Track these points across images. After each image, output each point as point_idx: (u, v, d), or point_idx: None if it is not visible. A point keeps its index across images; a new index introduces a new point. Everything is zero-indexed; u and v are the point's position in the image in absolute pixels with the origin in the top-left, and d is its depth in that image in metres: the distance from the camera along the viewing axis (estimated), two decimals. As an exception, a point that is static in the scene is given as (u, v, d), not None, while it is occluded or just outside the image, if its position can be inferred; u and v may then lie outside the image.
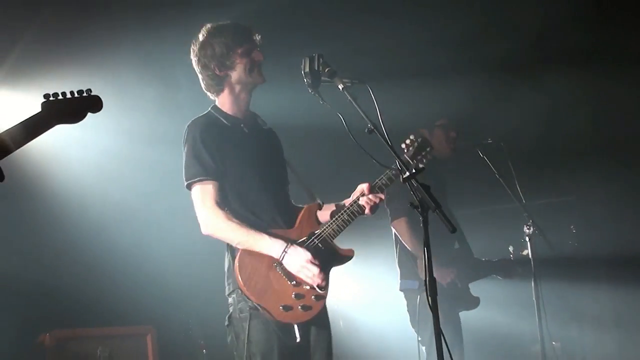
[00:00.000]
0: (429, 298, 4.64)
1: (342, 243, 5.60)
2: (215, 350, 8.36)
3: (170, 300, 8.80)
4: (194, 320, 8.65)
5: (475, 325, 8.03)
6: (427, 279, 4.65)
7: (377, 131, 4.96)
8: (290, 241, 5.35)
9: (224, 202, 5.47)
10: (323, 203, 5.73)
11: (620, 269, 8.71)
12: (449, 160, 7.71)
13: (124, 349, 8.26)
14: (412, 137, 5.74)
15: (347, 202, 5.55)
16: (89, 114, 4.29)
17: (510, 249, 8.03)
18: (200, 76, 5.75)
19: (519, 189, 7.35)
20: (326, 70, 5.27)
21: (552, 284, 7.87)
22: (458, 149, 7.50)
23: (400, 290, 7.85)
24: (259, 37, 5.69)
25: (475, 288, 7.95)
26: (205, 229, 5.42)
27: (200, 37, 5.72)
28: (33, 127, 3.82)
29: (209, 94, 5.79)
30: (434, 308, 4.61)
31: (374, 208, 5.49)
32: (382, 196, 5.53)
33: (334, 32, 8.05)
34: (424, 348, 7.61)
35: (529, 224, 7.67)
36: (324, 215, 5.72)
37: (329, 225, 5.49)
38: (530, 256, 7.75)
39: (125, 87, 8.69)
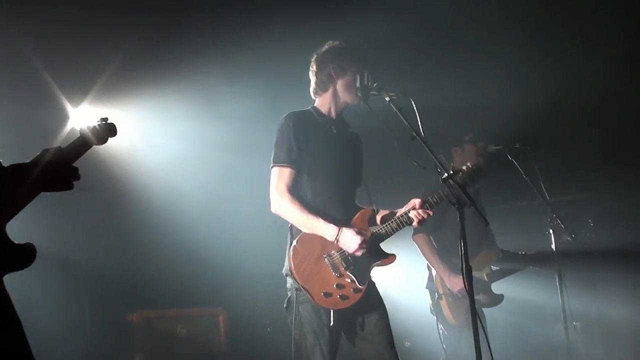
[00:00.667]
0: (466, 284, 4.86)
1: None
2: (278, 328, 8.24)
3: (239, 286, 8.92)
4: (259, 303, 8.64)
5: (505, 307, 7.86)
6: (464, 267, 4.86)
7: (419, 138, 5.06)
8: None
9: (298, 188, 5.59)
10: (378, 209, 5.74)
11: (633, 256, 8.43)
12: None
13: (200, 327, 8.40)
14: (469, 164, 5.70)
15: (399, 211, 5.56)
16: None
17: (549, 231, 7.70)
18: (313, 77, 5.88)
19: (543, 187, 7.10)
20: (374, 85, 5.43)
21: (574, 271, 7.61)
22: (489, 153, 7.33)
23: (426, 288, 7.80)
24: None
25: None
26: (273, 207, 5.59)
27: (327, 45, 5.87)
28: (80, 148, 3.71)
29: (313, 94, 5.92)
30: (470, 293, 4.83)
31: (422, 222, 5.48)
32: (431, 212, 5.46)
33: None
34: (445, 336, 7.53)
35: (552, 217, 7.47)
36: (377, 218, 5.75)
37: (378, 231, 5.52)
38: (554, 244, 7.60)
39: (209, 99, 8.76)
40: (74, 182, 3.49)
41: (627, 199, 8.93)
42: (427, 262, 7.60)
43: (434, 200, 5.50)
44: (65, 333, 7.26)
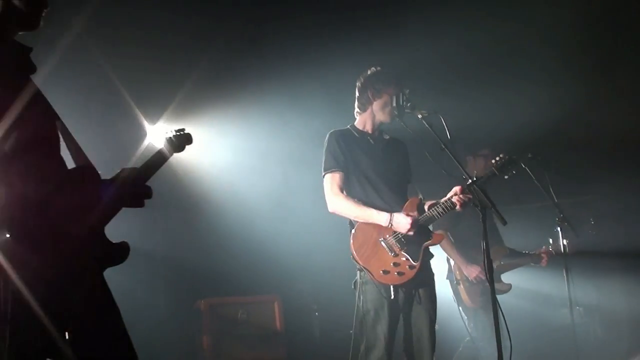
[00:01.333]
0: (487, 274, 5.07)
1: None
2: (324, 312, 8.32)
3: (291, 276, 9.05)
4: (308, 290, 8.70)
5: (519, 294, 7.98)
6: (486, 261, 5.03)
7: (448, 149, 5.32)
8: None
9: (348, 189, 5.85)
10: (425, 200, 5.95)
11: (629, 252, 8.45)
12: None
13: (258, 312, 8.50)
14: (501, 155, 5.84)
15: (443, 199, 5.73)
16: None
17: (550, 241, 7.91)
18: (356, 99, 6.09)
19: (552, 191, 7.09)
20: (408, 105, 5.62)
21: (578, 263, 7.82)
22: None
23: (447, 279, 7.82)
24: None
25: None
26: (330, 207, 5.87)
27: (368, 71, 6.07)
28: (162, 157, 3.96)
29: (355, 114, 6.12)
30: (491, 283, 5.05)
31: (464, 204, 5.61)
32: (470, 196, 5.53)
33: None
34: (465, 317, 7.67)
35: (560, 217, 7.54)
36: (425, 206, 5.91)
37: (426, 214, 5.75)
38: (563, 243, 7.72)
39: (274, 117, 8.89)
40: (144, 200, 3.55)
41: (623, 200, 8.85)
42: (446, 254, 7.70)
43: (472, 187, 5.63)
44: (143, 317, 7.32)
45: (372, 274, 5.55)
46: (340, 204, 5.76)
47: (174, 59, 8.38)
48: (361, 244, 5.66)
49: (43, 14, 3.36)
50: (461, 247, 7.58)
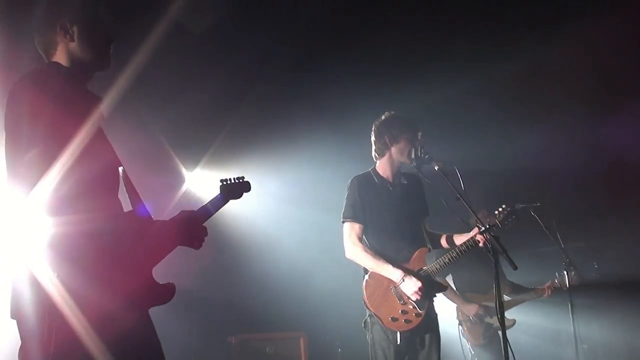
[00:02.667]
0: (499, 316, 4.98)
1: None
2: (347, 349, 8.28)
3: (317, 314, 8.96)
4: (332, 328, 8.64)
5: (526, 330, 7.96)
6: (497, 302, 4.98)
7: (462, 199, 5.26)
8: (407, 271, 5.62)
9: (365, 237, 5.84)
10: (431, 248, 5.93)
11: (629, 292, 8.35)
12: None
13: (284, 348, 8.43)
14: (504, 206, 5.82)
15: (462, 238, 5.75)
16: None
17: (556, 274, 7.83)
18: (373, 144, 6.06)
19: (559, 237, 7.07)
20: (426, 157, 5.62)
21: (582, 304, 7.59)
22: (517, 210, 7.32)
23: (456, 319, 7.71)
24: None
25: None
26: (347, 254, 5.85)
27: (383, 116, 6.07)
28: (220, 201, 4.05)
29: (374, 157, 6.09)
30: (502, 323, 4.98)
31: (485, 244, 5.39)
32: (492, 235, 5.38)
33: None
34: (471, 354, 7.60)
35: (566, 261, 7.50)
36: (442, 241, 6.04)
37: (433, 265, 5.70)
38: (568, 284, 7.51)
39: (300, 164, 8.83)
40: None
41: (625, 245, 8.79)
42: (445, 297, 7.49)
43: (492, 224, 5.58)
44: (178, 351, 7.30)
45: (381, 320, 5.53)
46: (357, 254, 5.74)
47: (211, 109, 8.41)
48: (372, 291, 5.64)
49: (111, 52, 3.45)
50: (459, 289, 7.54)
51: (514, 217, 5.77)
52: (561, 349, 8.61)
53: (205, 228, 3.62)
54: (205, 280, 8.61)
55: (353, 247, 5.77)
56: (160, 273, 3.40)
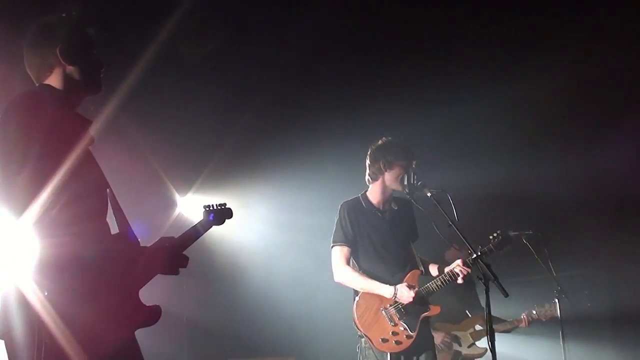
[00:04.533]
0: (489, 342, 4.78)
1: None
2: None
3: (307, 339, 8.94)
4: (323, 351, 8.51)
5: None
6: (488, 329, 4.80)
7: (455, 226, 5.19)
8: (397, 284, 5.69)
9: (355, 259, 5.88)
10: (424, 271, 5.91)
11: (621, 321, 8.38)
12: None
13: (278, 372, 8.31)
14: (498, 231, 5.82)
15: (446, 270, 5.71)
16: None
17: (535, 306, 7.70)
18: (367, 167, 6.06)
19: (551, 265, 7.06)
20: (419, 183, 5.58)
21: (574, 333, 7.68)
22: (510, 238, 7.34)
23: None
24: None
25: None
26: (336, 278, 5.86)
27: (380, 142, 6.08)
28: (203, 227, 3.94)
29: (367, 182, 6.09)
30: (492, 350, 4.77)
31: (465, 277, 5.59)
32: (470, 270, 5.56)
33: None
34: None
35: (558, 290, 7.41)
36: (430, 269, 5.95)
37: (427, 287, 5.71)
38: (558, 311, 7.49)
39: (292, 190, 8.92)
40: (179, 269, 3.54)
41: (617, 274, 8.79)
42: None
43: (470, 260, 5.53)
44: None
45: (371, 342, 5.53)
46: (346, 275, 5.76)
47: (203, 135, 8.45)
48: (363, 312, 5.65)
49: (101, 76, 3.49)
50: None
51: (508, 246, 5.78)
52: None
53: (185, 257, 3.60)
54: (197, 305, 8.61)
55: (342, 269, 5.79)
56: (152, 297, 3.40)
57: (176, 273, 3.53)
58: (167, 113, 7.99)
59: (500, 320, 7.74)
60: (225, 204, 4.29)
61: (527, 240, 7.39)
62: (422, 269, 5.93)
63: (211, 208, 4.18)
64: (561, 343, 7.40)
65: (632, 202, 8.67)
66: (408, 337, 5.55)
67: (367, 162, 6.09)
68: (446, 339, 7.37)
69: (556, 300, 7.60)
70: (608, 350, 8.97)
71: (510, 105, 8.32)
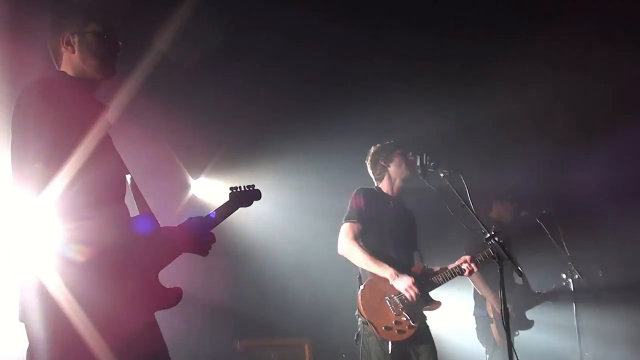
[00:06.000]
0: (504, 321, 4.84)
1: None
2: (351, 355, 8.30)
3: (321, 321, 9.00)
4: (336, 334, 8.65)
5: (527, 338, 7.76)
6: (503, 308, 4.86)
7: (467, 206, 5.24)
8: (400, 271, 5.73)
9: (365, 238, 5.88)
10: (428, 266, 5.99)
11: (632, 297, 8.60)
12: (513, 224, 7.49)
13: (289, 355, 8.51)
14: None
15: (451, 265, 5.82)
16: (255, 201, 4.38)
17: (563, 276, 7.77)
18: (372, 174, 6.24)
19: (564, 244, 7.08)
20: (431, 164, 5.57)
21: (586, 310, 7.75)
22: (522, 217, 7.33)
23: (473, 315, 7.77)
24: (411, 154, 6.01)
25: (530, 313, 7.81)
26: (340, 249, 5.91)
27: (372, 150, 6.25)
28: (229, 209, 4.00)
29: (375, 183, 6.21)
30: (507, 329, 4.82)
31: (471, 273, 5.77)
32: (477, 267, 5.74)
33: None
34: (487, 356, 7.56)
35: (571, 269, 7.59)
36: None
37: (432, 279, 5.79)
38: (572, 289, 7.66)
39: (305, 173, 8.99)
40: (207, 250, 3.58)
41: (630, 254, 8.82)
42: (479, 291, 7.53)
43: (479, 258, 5.70)
44: (183, 356, 7.32)
45: (375, 328, 5.54)
46: (352, 249, 5.78)
47: (217, 117, 8.46)
48: (368, 300, 5.66)
49: (116, 60, 3.53)
50: (493, 286, 7.37)
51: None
52: (565, 356, 8.63)
53: (213, 235, 3.65)
54: (210, 286, 8.63)
55: (349, 242, 5.82)
56: (166, 279, 3.42)
57: (205, 253, 3.63)
58: (180, 97, 8.02)
59: (540, 295, 7.79)
60: (253, 186, 4.31)
61: (541, 220, 7.45)
62: (427, 265, 5.97)
63: (238, 190, 4.20)
64: (575, 323, 7.46)
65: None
66: (410, 327, 5.57)
67: (370, 170, 6.25)
68: (512, 313, 7.15)
69: (570, 280, 7.66)
70: (621, 327, 9.02)
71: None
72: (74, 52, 3.41)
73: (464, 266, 5.70)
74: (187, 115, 8.18)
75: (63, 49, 3.42)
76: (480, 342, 7.65)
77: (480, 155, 8.87)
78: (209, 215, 3.81)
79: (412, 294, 5.55)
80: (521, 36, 7.72)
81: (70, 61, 3.42)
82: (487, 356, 7.55)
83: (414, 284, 5.56)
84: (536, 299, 7.72)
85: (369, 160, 6.23)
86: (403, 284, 5.58)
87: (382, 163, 6.12)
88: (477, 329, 7.69)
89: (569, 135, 8.95)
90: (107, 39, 3.49)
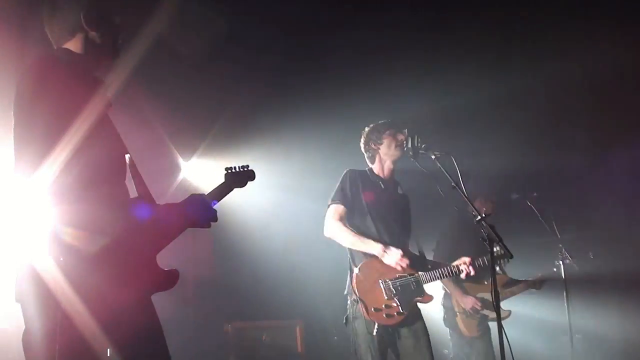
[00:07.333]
0: (494, 304, 4.95)
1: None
2: (343, 336, 8.35)
3: (313, 302, 9.00)
4: (328, 316, 8.68)
5: (521, 320, 7.95)
6: (493, 292, 4.95)
7: (458, 187, 5.24)
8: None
9: (351, 222, 5.88)
10: (423, 253, 6.06)
11: (622, 280, 8.76)
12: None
13: (281, 336, 8.50)
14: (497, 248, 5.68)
15: (450, 265, 5.88)
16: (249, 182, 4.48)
17: (555, 262, 7.93)
18: (365, 156, 6.24)
19: (555, 227, 7.13)
20: (422, 146, 5.58)
21: (577, 292, 7.85)
22: (514, 200, 7.38)
23: (442, 304, 7.77)
24: (400, 135, 5.98)
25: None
26: (327, 232, 5.91)
27: (366, 130, 6.24)
28: (225, 189, 4.06)
29: (368, 163, 6.21)
30: (497, 312, 4.96)
31: (467, 275, 5.78)
32: (474, 272, 5.78)
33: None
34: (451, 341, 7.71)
35: (562, 251, 7.56)
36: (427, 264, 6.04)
37: (426, 273, 5.83)
38: (562, 272, 7.77)
39: (296, 155, 9.01)
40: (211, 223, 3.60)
41: (621, 236, 8.88)
42: (445, 287, 7.60)
43: (479, 262, 5.77)
44: (174, 337, 7.34)
45: (365, 307, 5.54)
46: (338, 230, 5.78)
47: (208, 98, 8.46)
48: (362, 280, 5.65)
49: (120, 42, 3.53)
50: (457, 280, 7.39)
51: (507, 258, 5.77)
52: (555, 337, 8.69)
53: (215, 210, 3.68)
54: (201, 268, 8.66)
55: (334, 224, 5.82)
56: (158, 260, 3.42)
57: (209, 226, 3.61)
58: (173, 77, 8.00)
59: (516, 282, 7.78)
60: (247, 166, 4.35)
61: (532, 202, 7.49)
62: (420, 252, 6.02)
63: (233, 170, 4.24)
64: (565, 305, 7.52)
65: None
66: (399, 314, 5.57)
67: (363, 151, 6.25)
68: (476, 305, 7.35)
69: (560, 262, 7.72)
70: (611, 311, 9.09)
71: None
72: (93, 30, 3.38)
73: (462, 267, 5.74)
74: (179, 95, 8.18)
75: (80, 26, 3.37)
76: (446, 325, 7.72)
77: (465, 137, 8.91)
78: (209, 193, 3.86)
79: (404, 265, 5.60)
80: (504, 16, 7.80)
81: (84, 39, 3.38)
82: (451, 340, 7.68)
83: (403, 256, 5.59)
84: (511, 291, 7.80)
85: (362, 142, 6.23)
86: (393, 259, 5.60)
87: (373, 145, 6.12)
88: (444, 318, 7.72)
89: (556, 117, 9.02)
90: (117, 19, 3.50)
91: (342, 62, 8.56)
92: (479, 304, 7.38)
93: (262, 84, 8.60)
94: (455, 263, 5.82)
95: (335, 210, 5.88)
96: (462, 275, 5.77)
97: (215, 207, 3.70)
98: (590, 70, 8.12)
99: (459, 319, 7.48)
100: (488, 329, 7.49)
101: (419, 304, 5.84)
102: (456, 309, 7.51)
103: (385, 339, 5.60)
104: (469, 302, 7.38)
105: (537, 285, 7.72)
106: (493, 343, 7.34)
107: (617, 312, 9.06)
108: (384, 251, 5.64)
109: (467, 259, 5.76)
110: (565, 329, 7.68)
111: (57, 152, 2.97)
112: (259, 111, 8.87)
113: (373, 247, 5.67)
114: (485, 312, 7.44)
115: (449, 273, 5.80)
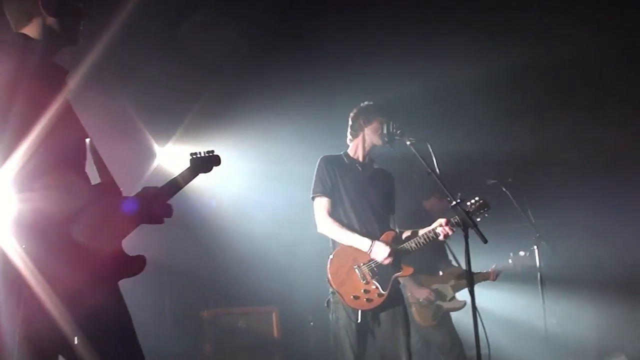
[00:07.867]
0: (470, 290, 4.91)
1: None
2: (319, 323, 8.38)
3: (289, 289, 9.01)
4: (304, 302, 8.66)
5: (495, 307, 7.86)
6: (468, 277, 4.96)
7: (434, 173, 5.23)
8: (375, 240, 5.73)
9: (334, 212, 5.87)
10: (401, 232, 5.98)
11: (599, 266, 8.87)
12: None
13: (257, 322, 8.55)
14: (477, 198, 5.80)
15: (424, 230, 5.76)
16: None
17: (511, 254, 7.92)
18: (349, 127, 6.15)
19: (530, 213, 7.14)
20: (398, 132, 5.57)
21: (552, 279, 7.83)
22: (489, 186, 7.37)
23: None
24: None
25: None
26: (319, 229, 5.88)
27: (361, 104, 6.16)
28: (190, 175, 4.00)
29: (348, 141, 6.18)
30: (472, 295, 4.88)
31: (446, 237, 5.62)
32: (453, 230, 5.60)
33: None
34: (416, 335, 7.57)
35: (536, 237, 7.57)
36: (402, 237, 5.94)
37: (405, 246, 5.76)
38: (537, 257, 7.67)
39: (274, 141, 9.02)
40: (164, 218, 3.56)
41: (596, 224, 8.94)
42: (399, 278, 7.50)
43: (455, 220, 5.51)
44: (149, 324, 7.32)
45: (343, 298, 5.56)
46: (328, 227, 5.77)
47: (184, 84, 8.40)
48: (337, 269, 5.67)
49: (81, 28, 3.45)
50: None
51: (486, 209, 5.81)
52: (530, 322, 8.74)
53: (169, 206, 3.61)
54: (177, 254, 8.63)
55: (323, 220, 5.81)
56: (131, 246, 3.41)
57: (160, 222, 3.56)
58: (147, 61, 7.92)
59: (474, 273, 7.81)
60: (212, 151, 4.30)
61: (507, 188, 7.50)
62: (398, 230, 5.97)
63: (198, 155, 4.20)
64: (540, 290, 7.53)
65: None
66: (379, 295, 5.58)
67: (349, 122, 6.17)
68: (430, 296, 7.40)
69: (535, 247, 7.74)
70: (587, 300, 9.17)
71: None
72: (50, 14, 3.30)
73: (439, 230, 5.62)
74: (154, 80, 8.10)
75: (38, 11, 3.29)
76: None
77: (439, 120, 8.93)
78: (168, 182, 3.80)
79: (390, 262, 5.59)
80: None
81: (41, 24, 3.31)
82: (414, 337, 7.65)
83: (391, 253, 5.58)
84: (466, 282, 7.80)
85: (353, 114, 6.14)
86: (381, 255, 5.59)
87: (362, 122, 6.03)
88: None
89: (534, 102, 9.07)
90: (80, 4, 3.44)
91: (321, 46, 8.50)
92: (433, 295, 7.44)
93: (240, 67, 8.55)
94: (430, 227, 5.72)
95: (321, 204, 5.87)
96: (440, 238, 5.63)
97: (169, 202, 3.65)
98: (566, 54, 8.18)
99: (413, 310, 7.48)
100: (446, 317, 7.54)
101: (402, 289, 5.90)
102: (410, 300, 7.49)
103: (364, 324, 5.60)
104: (423, 293, 7.43)
105: (492, 276, 7.75)
106: (463, 330, 7.48)
107: (592, 297, 9.14)
108: (371, 247, 5.62)
109: (442, 220, 5.64)
110: (539, 313, 7.71)
111: (11, 140, 2.94)
112: (237, 95, 8.82)
113: (361, 244, 5.67)
114: (439, 302, 7.49)
115: (425, 240, 5.69)
